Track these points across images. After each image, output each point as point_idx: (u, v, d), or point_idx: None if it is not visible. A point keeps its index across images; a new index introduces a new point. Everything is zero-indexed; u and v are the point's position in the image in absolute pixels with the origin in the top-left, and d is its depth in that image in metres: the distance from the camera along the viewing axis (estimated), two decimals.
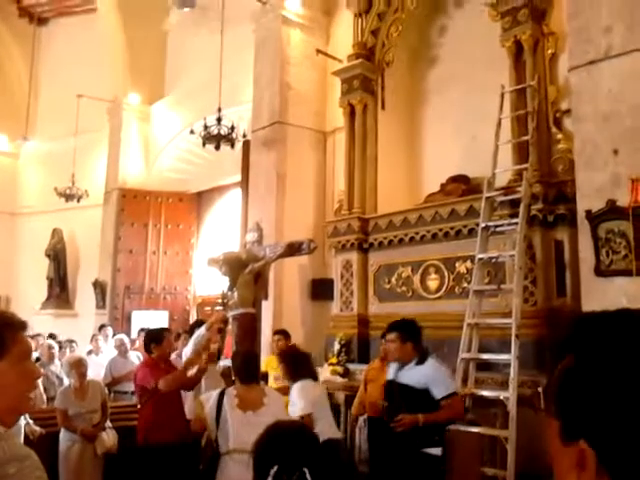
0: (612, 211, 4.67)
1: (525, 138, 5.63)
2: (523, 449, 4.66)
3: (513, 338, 4.89)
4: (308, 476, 1.62)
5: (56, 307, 12.99)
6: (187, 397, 4.87)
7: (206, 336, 4.75)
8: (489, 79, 6.33)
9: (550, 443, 0.76)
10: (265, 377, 5.88)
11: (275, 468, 1.62)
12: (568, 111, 5.53)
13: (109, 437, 5.11)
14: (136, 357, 7.45)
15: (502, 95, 5.89)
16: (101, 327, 9.36)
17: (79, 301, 13.07)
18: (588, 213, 4.81)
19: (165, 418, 4.36)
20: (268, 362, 6.12)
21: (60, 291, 13.13)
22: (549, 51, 5.83)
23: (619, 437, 0.68)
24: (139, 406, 4.94)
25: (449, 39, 7.41)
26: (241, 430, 3.34)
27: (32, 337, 8.39)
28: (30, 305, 12.60)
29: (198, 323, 5.23)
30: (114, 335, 8.57)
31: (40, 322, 10.81)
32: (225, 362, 5.20)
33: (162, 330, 5.05)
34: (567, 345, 0.77)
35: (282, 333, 6.18)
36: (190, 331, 5.18)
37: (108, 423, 5.26)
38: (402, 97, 7.74)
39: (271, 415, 3.13)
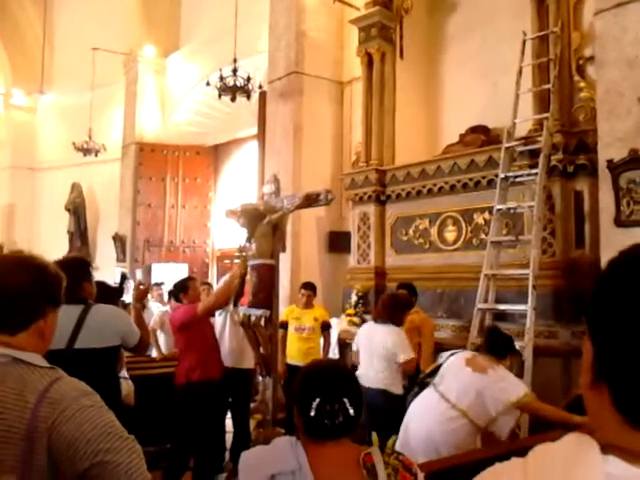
0: (634, 160, 4.57)
1: (546, 86, 5.50)
2: (538, 398, 4.70)
3: (530, 289, 4.90)
4: (348, 405, 1.77)
5: None
6: (223, 344, 5.29)
7: (235, 274, 5.20)
8: (510, 26, 6.16)
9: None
10: (285, 326, 5.98)
11: (317, 400, 1.77)
12: (591, 58, 5.37)
13: (124, 387, 5.03)
14: (156, 307, 7.59)
15: (524, 42, 5.73)
16: (125, 278, 9.51)
17: (100, 254, 13.25)
18: (609, 163, 4.72)
19: (206, 360, 4.84)
20: (289, 312, 6.19)
21: (81, 245, 13.31)
22: None
23: (615, 346, 0.72)
24: (177, 350, 5.34)
25: None
26: None
27: None
28: (52, 259, 12.79)
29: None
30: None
31: None
32: (242, 309, 5.27)
33: (186, 279, 5.49)
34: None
35: (311, 288, 6.20)
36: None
37: (124, 373, 5.10)
38: (421, 46, 7.58)
39: None
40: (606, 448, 0.72)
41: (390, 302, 4.92)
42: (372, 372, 4.70)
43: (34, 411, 1.31)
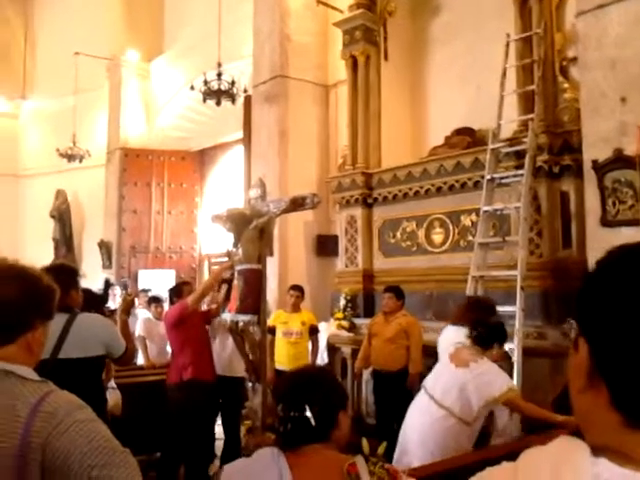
0: (619, 160, 4.60)
1: (531, 87, 5.53)
2: (527, 400, 4.71)
3: (518, 290, 4.90)
4: (308, 412, 1.78)
5: None
6: (214, 352, 5.23)
7: (218, 270, 5.39)
8: (494, 28, 6.18)
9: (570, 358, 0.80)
10: (272, 331, 5.94)
11: (280, 406, 1.83)
12: (575, 59, 5.40)
13: (112, 398, 4.82)
14: (143, 314, 7.53)
15: (507, 44, 5.75)
16: (108, 285, 9.47)
17: (85, 261, 13.13)
18: (594, 163, 4.75)
19: (199, 360, 4.90)
20: (276, 317, 6.17)
21: (66, 252, 13.17)
22: None
23: (614, 343, 0.71)
24: (170, 352, 5.42)
25: None
26: None
27: None
28: (39, 267, 12.66)
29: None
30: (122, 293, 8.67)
31: None
32: (227, 315, 5.23)
33: (180, 284, 5.70)
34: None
35: (300, 290, 6.22)
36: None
37: (112, 383, 5.09)
38: (405, 48, 7.59)
39: None
40: (597, 450, 0.72)
41: (468, 304, 4.40)
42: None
43: (27, 425, 1.28)
